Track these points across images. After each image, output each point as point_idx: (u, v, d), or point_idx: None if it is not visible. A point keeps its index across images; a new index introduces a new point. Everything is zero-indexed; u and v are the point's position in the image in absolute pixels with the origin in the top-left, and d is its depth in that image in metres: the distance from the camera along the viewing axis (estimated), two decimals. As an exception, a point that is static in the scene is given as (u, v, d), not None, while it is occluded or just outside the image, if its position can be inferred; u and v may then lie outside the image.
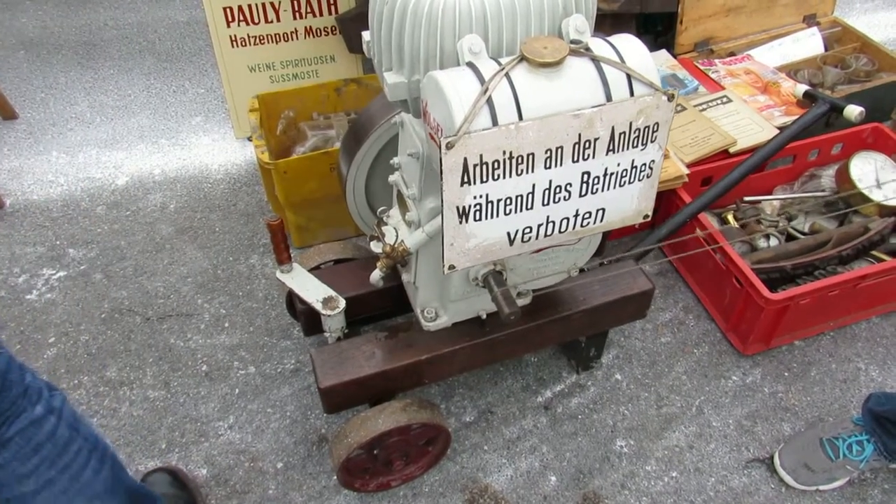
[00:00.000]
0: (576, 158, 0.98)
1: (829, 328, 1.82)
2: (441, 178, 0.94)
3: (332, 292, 1.49)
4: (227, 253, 2.02)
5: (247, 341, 1.80)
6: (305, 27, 2.19)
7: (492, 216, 1.00)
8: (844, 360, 1.77)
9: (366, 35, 1.20)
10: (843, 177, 1.93)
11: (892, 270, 1.68)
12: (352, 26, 2.10)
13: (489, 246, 1.05)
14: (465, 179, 0.95)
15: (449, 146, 0.91)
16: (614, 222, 1.10)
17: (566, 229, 1.07)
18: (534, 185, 0.99)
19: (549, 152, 0.96)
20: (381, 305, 1.61)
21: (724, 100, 2.10)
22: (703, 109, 2.07)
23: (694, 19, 2.33)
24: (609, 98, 0.96)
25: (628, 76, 0.97)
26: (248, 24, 2.14)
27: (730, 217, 1.95)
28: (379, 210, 1.44)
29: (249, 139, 2.37)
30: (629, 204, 1.09)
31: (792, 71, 2.34)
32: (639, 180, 1.06)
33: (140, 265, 1.99)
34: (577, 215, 1.06)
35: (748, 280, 1.64)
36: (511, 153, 0.94)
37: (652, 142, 1.02)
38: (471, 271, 1.33)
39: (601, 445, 1.60)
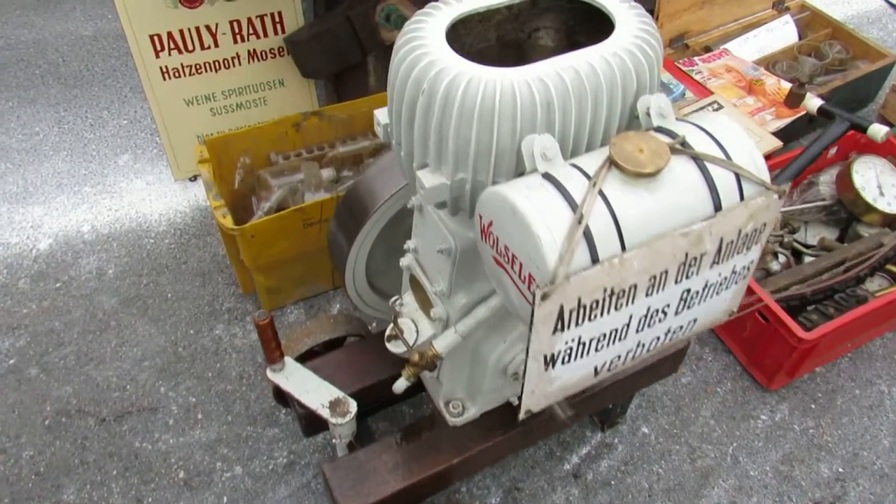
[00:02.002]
0: (678, 279, 0.81)
1: (847, 350, 1.75)
2: (530, 330, 0.74)
3: (338, 392, 1.27)
4: (187, 325, 1.75)
5: (227, 434, 1.56)
6: (249, 51, 1.89)
7: (581, 357, 0.82)
8: (866, 384, 1.71)
9: (380, 115, 0.97)
10: (846, 185, 1.84)
11: (916, 291, 1.61)
12: (306, 50, 1.83)
13: (573, 384, 0.86)
14: (559, 327, 0.75)
15: (544, 297, 0.71)
16: (701, 327, 0.94)
17: (654, 348, 0.90)
18: (630, 316, 0.81)
19: (652, 279, 0.78)
20: (389, 395, 1.41)
21: (715, 106, 1.97)
22: (696, 119, 1.93)
23: (670, 14, 2.18)
24: (718, 206, 0.79)
25: (737, 176, 0.80)
26: (180, 52, 1.83)
27: (736, 238, 1.84)
28: (391, 300, 1.22)
29: (192, 179, 2.07)
30: (720, 306, 0.92)
31: (770, 64, 2.24)
32: (735, 283, 0.90)
33: (83, 351, 1.69)
34: (668, 332, 0.89)
35: (778, 318, 1.53)
36: (612, 289, 0.75)
37: (756, 244, 0.86)
38: (509, 365, 1.15)
39: (638, 514, 1.48)
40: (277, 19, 1.87)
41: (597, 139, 0.86)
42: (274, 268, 1.67)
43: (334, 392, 1.27)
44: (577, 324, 0.76)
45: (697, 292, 0.85)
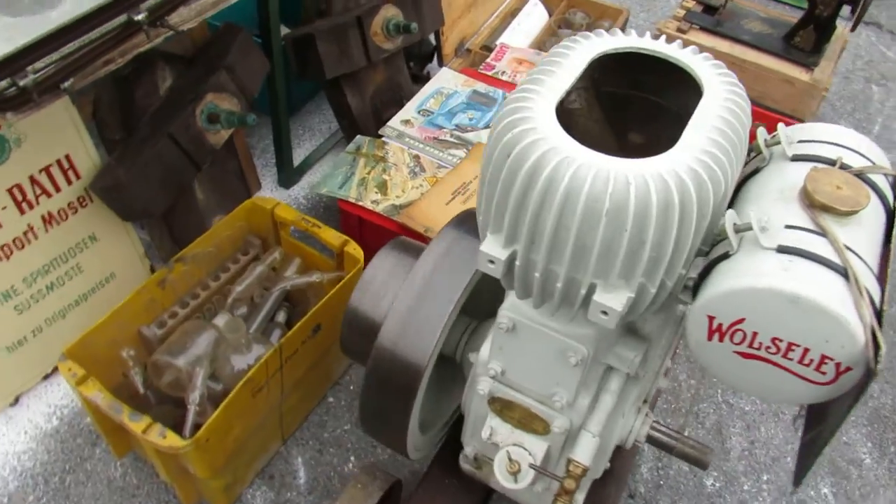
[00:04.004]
0: (878, 291, 0.81)
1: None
2: (851, 408, 0.68)
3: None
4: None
5: None
6: (43, 217, 1.43)
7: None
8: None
9: (492, 251, 0.78)
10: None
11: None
12: (129, 191, 1.43)
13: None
14: (862, 395, 0.70)
15: (876, 374, 0.65)
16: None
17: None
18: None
19: (881, 304, 0.77)
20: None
21: (541, 100, 2.02)
22: (534, 117, 1.97)
23: (450, 26, 2.17)
24: (890, 210, 0.80)
25: (886, 177, 0.81)
26: (-50, 254, 1.31)
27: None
28: (487, 436, 1.04)
29: (13, 403, 1.53)
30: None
31: (539, 45, 2.37)
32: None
33: None
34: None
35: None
36: (880, 333, 0.72)
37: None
38: (628, 438, 1.07)
39: (698, 495, 1.52)
40: (67, 165, 1.43)
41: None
42: (229, 461, 1.32)
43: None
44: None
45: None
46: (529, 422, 1.02)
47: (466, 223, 1.10)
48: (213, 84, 1.51)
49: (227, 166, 1.75)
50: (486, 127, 1.93)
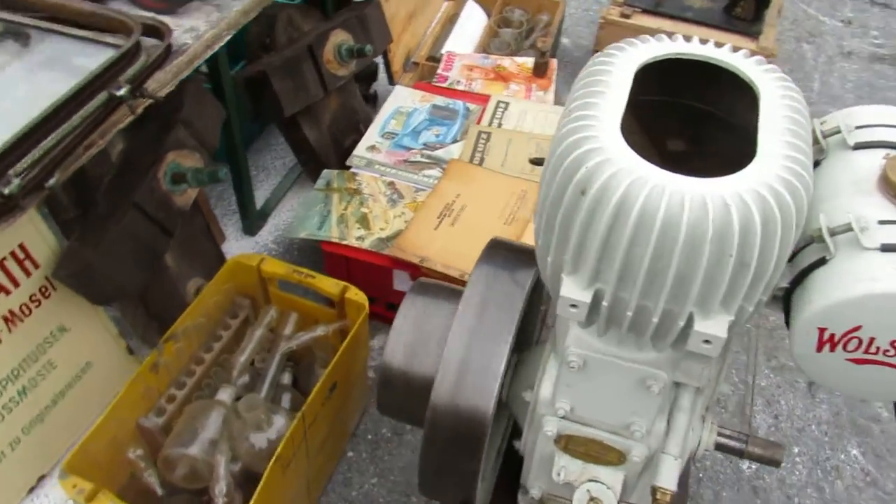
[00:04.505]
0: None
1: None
2: None
3: None
4: None
5: None
6: (4, 317, 1.27)
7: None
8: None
9: (573, 293, 0.72)
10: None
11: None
12: (100, 273, 1.30)
13: None
14: None
15: None
16: None
17: None
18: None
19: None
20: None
21: (503, 106, 1.98)
22: (500, 125, 1.92)
23: (395, 41, 2.09)
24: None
25: (946, 152, 0.79)
26: None
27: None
28: (561, 478, 0.97)
29: (1, 528, 1.37)
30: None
31: (485, 48, 2.32)
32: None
33: None
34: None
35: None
36: None
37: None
38: (699, 448, 1.03)
39: (738, 481, 1.51)
40: (23, 256, 1.28)
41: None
42: (266, 546, 1.21)
43: None
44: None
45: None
46: (602, 454, 0.96)
47: (498, 256, 1.03)
48: (173, 141, 1.39)
49: (193, 225, 1.62)
50: (455, 141, 1.87)
